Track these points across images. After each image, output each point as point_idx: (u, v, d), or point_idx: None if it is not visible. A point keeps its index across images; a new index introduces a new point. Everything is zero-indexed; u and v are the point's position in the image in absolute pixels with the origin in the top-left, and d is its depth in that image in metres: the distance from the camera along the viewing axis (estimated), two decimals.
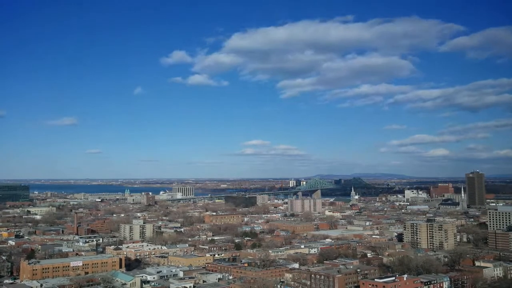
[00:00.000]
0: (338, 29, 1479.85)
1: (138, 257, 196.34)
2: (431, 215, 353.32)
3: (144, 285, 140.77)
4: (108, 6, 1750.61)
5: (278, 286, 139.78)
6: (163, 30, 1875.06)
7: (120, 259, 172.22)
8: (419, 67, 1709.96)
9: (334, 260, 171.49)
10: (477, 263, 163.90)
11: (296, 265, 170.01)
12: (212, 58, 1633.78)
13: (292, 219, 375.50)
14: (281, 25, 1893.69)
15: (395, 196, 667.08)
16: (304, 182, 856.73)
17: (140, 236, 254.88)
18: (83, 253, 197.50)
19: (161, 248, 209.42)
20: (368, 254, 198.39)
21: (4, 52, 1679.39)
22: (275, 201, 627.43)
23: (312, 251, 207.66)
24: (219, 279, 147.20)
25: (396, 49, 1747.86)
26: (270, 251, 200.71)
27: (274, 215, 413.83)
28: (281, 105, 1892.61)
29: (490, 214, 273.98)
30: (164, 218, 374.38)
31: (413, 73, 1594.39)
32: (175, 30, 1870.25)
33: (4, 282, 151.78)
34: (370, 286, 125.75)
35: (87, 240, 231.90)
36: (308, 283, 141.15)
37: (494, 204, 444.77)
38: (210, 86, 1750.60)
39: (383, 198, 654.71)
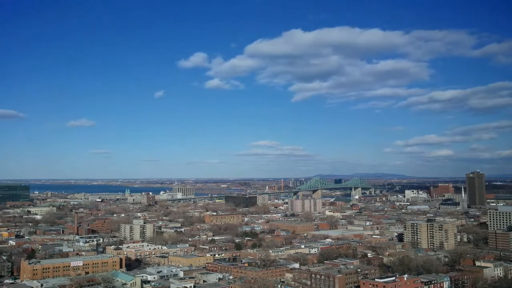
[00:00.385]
0: (371, 35, 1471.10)
1: (138, 257, 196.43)
2: (431, 215, 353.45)
3: (144, 285, 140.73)
4: (133, 6, 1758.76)
5: (279, 286, 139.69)
6: (184, 31, 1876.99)
7: (121, 259, 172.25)
8: (444, 71, 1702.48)
9: (334, 260, 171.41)
10: (477, 263, 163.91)
11: (297, 265, 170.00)
12: (231, 63, 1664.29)
13: (292, 219, 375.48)
14: (310, 30, 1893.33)
15: (395, 196, 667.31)
16: (305, 182, 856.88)
17: (140, 236, 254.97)
18: (83, 253, 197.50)
19: (161, 248, 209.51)
20: (369, 254, 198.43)
21: (22, 51, 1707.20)
22: (275, 201, 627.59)
23: (313, 251, 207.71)
24: (219, 279, 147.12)
25: (426, 55, 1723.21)
26: (270, 251, 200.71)
27: (274, 215, 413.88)
28: (291, 107, 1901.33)
29: (490, 214, 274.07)
30: (164, 218, 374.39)
31: (434, 76, 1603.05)
32: (197, 33, 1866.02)
33: (5, 282, 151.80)
34: (370, 286, 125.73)
35: (88, 240, 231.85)
36: (309, 283, 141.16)
37: (495, 204, 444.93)
38: (226, 90, 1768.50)
39: (383, 198, 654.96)
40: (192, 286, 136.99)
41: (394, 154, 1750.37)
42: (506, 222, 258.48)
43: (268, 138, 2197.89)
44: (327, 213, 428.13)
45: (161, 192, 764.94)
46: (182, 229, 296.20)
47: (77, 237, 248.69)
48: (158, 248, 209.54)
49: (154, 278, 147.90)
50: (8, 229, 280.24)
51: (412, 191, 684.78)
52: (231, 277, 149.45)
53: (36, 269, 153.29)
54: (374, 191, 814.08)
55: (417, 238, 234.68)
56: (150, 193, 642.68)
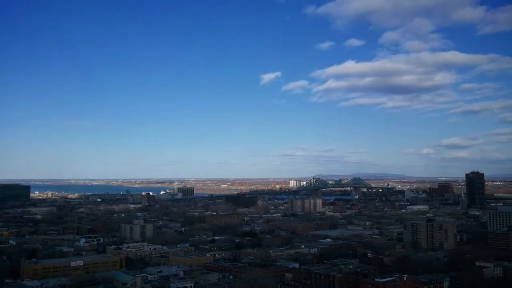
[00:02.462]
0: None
1: (138, 256, 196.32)
2: (431, 215, 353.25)
3: (144, 285, 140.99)
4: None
5: (278, 286, 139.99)
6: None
7: (121, 259, 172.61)
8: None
9: (334, 260, 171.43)
10: (477, 263, 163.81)
11: (296, 265, 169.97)
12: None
13: (292, 219, 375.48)
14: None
15: (395, 196, 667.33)
16: (304, 183, 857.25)
17: (140, 236, 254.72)
18: (83, 252, 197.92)
19: (161, 247, 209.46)
20: (368, 254, 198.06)
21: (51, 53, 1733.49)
22: (275, 201, 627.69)
23: (312, 250, 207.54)
24: (219, 278, 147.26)
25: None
26: (270, 250, 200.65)
27: (274, 215, 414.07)
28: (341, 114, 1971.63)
29: (490, 214, 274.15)
30: (164, 218, 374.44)
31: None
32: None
33: (5, 282, 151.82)
34: (370, 286, 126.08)
35: (88, 240, 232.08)
36: (308, 282, 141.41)
37: (494, 204, 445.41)
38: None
39: (383, 198, 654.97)
40: (192, 286, 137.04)
41: (408, 155, 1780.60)
42: (506, 222, 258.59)
43: (304, 141, 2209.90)
44: (327, 213, 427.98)
45: (161, 192, 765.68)
46: (183, 229, 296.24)
47: (77, 237, 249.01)
48: (158, 248, 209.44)
49: (154, 278, 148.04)
50: (8, 229, 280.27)
51: (412, 191, 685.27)
52: (231, 277, 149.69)
53: (37, 269, 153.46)
54: (374, 191, 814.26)
55: (417, 238, 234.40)
56: (150, 193, 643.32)
